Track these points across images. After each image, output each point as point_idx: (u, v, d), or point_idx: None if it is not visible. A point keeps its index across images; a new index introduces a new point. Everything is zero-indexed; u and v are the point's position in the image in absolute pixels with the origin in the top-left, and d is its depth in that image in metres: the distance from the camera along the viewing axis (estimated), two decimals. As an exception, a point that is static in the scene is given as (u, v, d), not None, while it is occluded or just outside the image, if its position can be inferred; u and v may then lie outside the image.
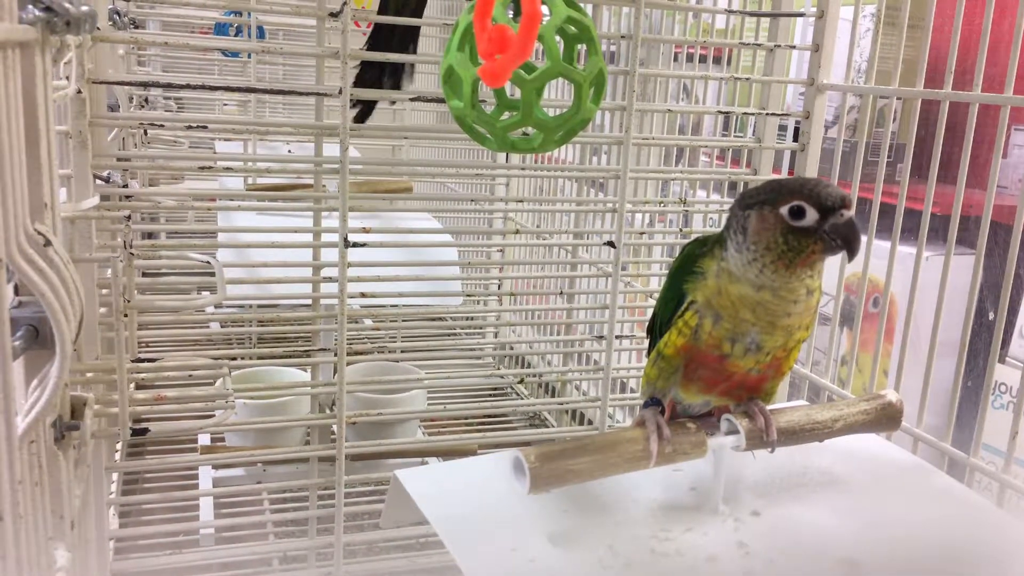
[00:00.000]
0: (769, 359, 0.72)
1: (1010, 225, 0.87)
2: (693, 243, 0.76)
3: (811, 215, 0.67)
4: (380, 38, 1.04)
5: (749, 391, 0.75)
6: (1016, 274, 0.88)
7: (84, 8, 0.58)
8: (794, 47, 1.15)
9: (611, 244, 1.09)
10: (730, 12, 1.17)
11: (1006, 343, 1.39)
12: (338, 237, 0.97)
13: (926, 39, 0.99)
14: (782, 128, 1.23)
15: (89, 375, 0.90)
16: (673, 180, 1.25)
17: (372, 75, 1.04)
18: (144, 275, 1.35)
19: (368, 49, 1.03)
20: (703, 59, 1.38)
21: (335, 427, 1.03)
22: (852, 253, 0.68)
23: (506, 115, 0.72)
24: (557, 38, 0.68)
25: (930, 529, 0.75)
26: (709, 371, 0.73)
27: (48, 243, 0.55)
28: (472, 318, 1.95)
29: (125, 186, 0.95)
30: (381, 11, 1.03)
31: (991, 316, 0.93)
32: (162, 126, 1.05)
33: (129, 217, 0.87)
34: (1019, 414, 0.86)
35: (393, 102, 1.60)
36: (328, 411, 1.14)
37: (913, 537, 0.73)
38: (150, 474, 1.38)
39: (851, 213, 0.67)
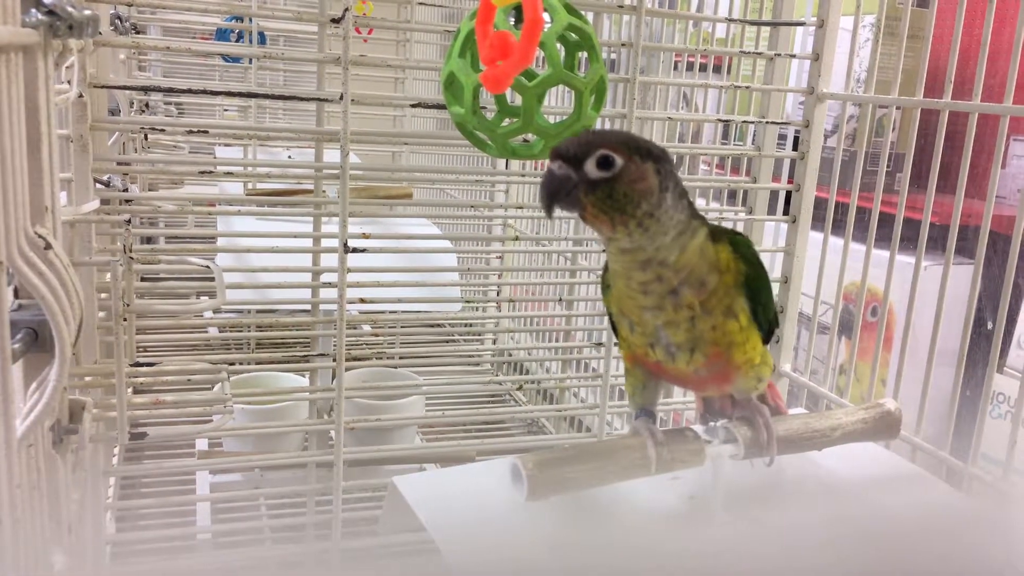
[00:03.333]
0: (700, 357, 0.68)
1: (1009, 235, 0.87)
2: None
3: None
4: None
5: (719, 387, 0.74)
6: (1015, 284, 0.88)
7: (86, 12, 0.58)
8: (794, 56, 1.15)
9: (610, 251, 1.09)
10: (730, 21, 1.17)
11: (1004, 353, 1.39)
12: (338, 242, 0.97)
13: (926, 49, 0.99)
14: (782, 137, 1.23)
15: (88, 379, 0.90)
16: (673, 188, 1.25)
17: None
18: (143, 279, 1.35)
19: None
20: (703, 68, 1.39)
21: (333, 433, 1.03)
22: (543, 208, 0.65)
23: (507, 121, 0.72)
24: (558, 45, 0.69)
25: (929, 538, 0.75)
26: (666, 376, 0.73)
27: (48, 246, 0.55)
28: (471, 324, 1.95)
29: (125, 190, 0.95)
30: None
31: (990, 326, 0.93)
32: (163, 131, 1.05)
33: (129, 221, 0.87)
34: (1017, 423, 0.86)
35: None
36: (326, 416, 1.14)
37: (912, 546, 0.73)
38: (147, 479, 1.38)
39: (553, 165, 0.63)
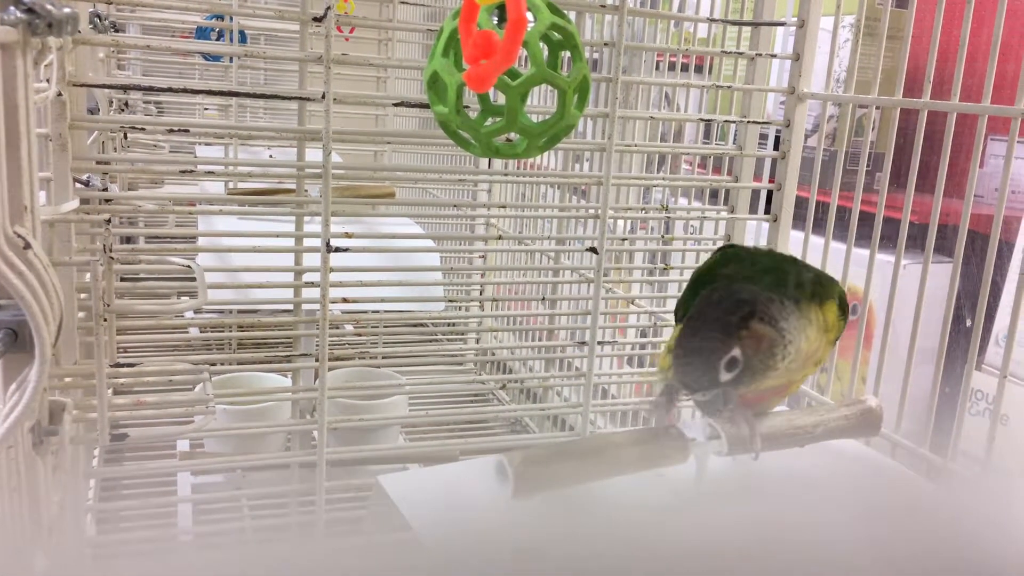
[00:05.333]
0: (763, 388, 0.71)
1: (987, 234, 0.88)
2: (723, 252, 0.76)
3: None
4: None
5: (750, 404, 0.75)
6: (993, 282, 0.89)
7: (66, 10, 0.58)
8: (775, 56, 1.16)
9: (593, 250, 1.10)
10: (712, 21, 1.18)
11: (983, 350, 1.41)
12: (320, 242, 0.96)
13: (905, 49, 1.00)
14: (763, 136, 1.24)
15: (68, 380, 0.89)
16: (655, 187, 1.26)
17: None
18: (123, 279, 1.34)
19: None
20: (685, 67, 1.39)
21: (316, 433, 1.03)
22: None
23: (490, 121, 0.72)
24: (541, 44, 0.69)
25: (909, 533, 0.76)
26: None
27: (28, 246, 0.54)
28: (454, 324, 1.95)
29: (105, 189, 0.95)
30: None
31: (968, 323, 0.94)
32: (142, 129, 1.04)
33: (109, 221, 0.87)
34: (996, 420, 0.87)
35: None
36: (309, 417, 1.13)
37: (892, 540, 0.74)
38: (128, 480, 1.37)
39: (695, 396, 0.66)
